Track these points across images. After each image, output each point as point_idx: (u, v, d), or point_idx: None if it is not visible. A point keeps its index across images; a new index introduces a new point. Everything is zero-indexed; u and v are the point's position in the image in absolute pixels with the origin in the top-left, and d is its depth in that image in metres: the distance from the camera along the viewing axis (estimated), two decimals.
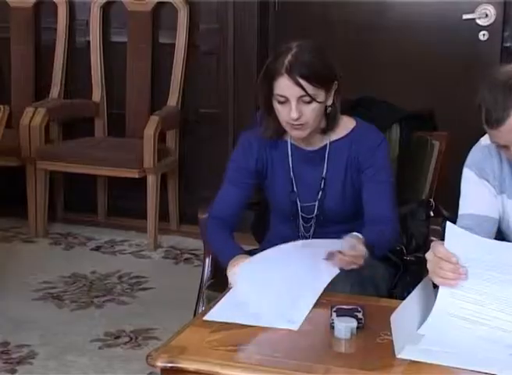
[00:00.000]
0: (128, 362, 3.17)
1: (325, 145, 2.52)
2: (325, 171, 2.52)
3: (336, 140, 2.52)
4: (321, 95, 2.39)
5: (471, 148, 2.61)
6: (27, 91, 4.80)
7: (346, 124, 2.53)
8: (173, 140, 4.57)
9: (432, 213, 2.81)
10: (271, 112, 2.45)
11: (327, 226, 2.54)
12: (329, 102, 2.45)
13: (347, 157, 2.50)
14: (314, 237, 2.55)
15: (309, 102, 2.37)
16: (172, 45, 4.53)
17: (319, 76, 2.37)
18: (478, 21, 4.09)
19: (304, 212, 2.57)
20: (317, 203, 2.54)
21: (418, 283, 2.06)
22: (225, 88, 4.51)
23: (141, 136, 4.29)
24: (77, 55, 4.80)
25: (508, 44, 4.09)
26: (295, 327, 2.02)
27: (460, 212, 2.27)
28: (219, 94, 4.55)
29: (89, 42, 4.70)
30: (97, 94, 4.71)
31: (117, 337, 3.39)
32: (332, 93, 2.44)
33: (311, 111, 2.39)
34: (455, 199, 2.86)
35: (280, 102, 2.39)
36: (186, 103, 4.58)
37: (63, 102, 4.74)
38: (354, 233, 2.28)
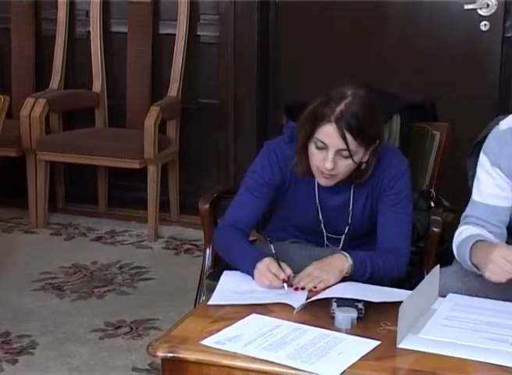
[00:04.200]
0: (129, 352, 3.17)
1: (351, 173, 2.44)
2: (351, 204, 2.48)
3: None
4: (360, 153, 2.32)
5: (471, 138, 2.61)
6: (28, 82, 4.79)
7: None
8: (173, 130, 4.56)
9: (432, 204, 2.81)
10: (306, 151, 2.36)
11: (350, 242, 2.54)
12: (365, 159, 2.37)
13: (371, 183, 2.45)
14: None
15: (346, 157, 2.30)
16: (173, 36, 4.52)
17: (365, 133, 2.29)
18: (480, 11, 4.08)
19: (330, 242, 2.55)
20: (343, 237, 2.53)
21: (419, 273, 2.06)
22: (225, 78, 4.50)
23: (142, 126, 4.28)
24: (77, 45, 4.79)
25: (509, 35, 4.08)
26: (297, 304, 2.06)
27: (473, 197, 2.30)
28: (219, 84, 4.55)
29: (89, 33, 4.69)
30: (98, 84, 4.70)
31: (118, 328, 3.39)
32: (370, 150, 2.36)
33: (344, 166, 2.32)
34: (456, 189, 2.87)
35: (318, 147, 2.31)
36: (187, 93, 4.57)
37: (64, 93, 4.73)
38: (343, 253, 2.31)
